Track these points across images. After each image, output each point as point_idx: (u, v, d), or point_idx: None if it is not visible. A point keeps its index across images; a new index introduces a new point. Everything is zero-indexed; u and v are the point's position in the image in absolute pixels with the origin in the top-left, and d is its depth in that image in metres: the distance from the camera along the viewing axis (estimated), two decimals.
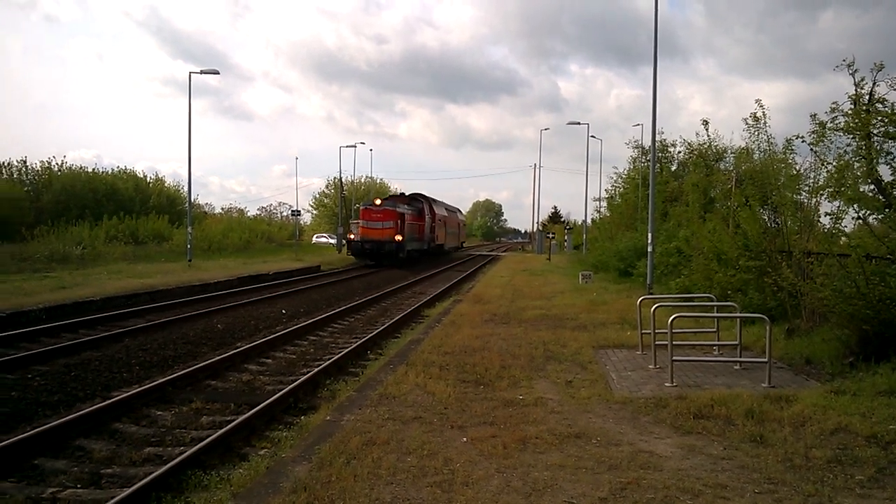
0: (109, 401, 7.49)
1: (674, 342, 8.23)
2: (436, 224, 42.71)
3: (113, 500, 4.76)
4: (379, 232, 32.92)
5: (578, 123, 44.18)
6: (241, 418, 6.86)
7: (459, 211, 62.91)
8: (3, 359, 9.27)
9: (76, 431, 6.56)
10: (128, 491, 4.94)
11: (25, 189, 38.58)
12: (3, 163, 39.35)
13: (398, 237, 32.90)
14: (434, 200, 45.28)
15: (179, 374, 8.87)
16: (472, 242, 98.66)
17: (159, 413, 7.50)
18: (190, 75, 30.15)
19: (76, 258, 25.61)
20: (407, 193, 43.82)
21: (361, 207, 35.11)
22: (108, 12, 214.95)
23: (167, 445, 6.45)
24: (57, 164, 41.08)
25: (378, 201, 35.36)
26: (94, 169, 43.04)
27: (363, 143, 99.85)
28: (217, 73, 30.14)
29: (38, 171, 40.36)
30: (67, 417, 6.77)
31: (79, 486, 5.43)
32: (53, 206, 36.73)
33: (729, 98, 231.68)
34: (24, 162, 39.83)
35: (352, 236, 34.91)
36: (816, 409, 6.69)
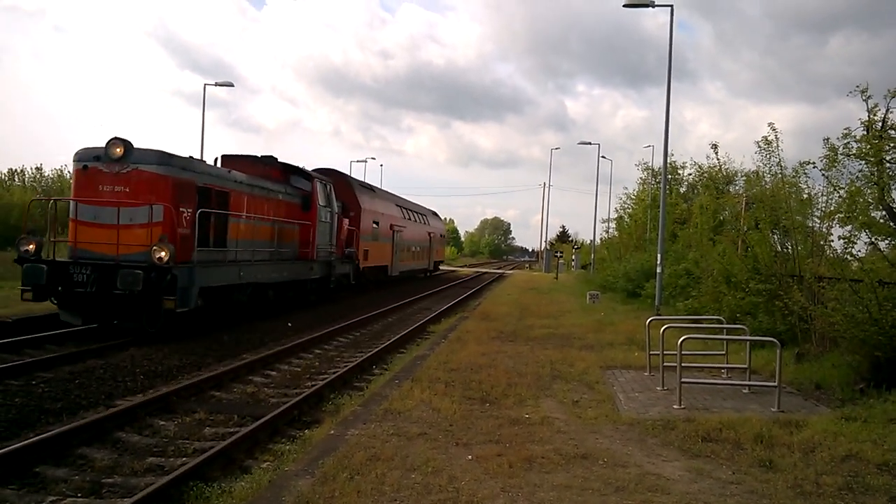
0: (112, 409, 7.47)
1: (682, 364, 8.15)
2: (359, 230, 23.19)
3: None
4: (105, 235, 11.97)
5: (589, 143, 44.34)
6: (244, 430, 6.81)
7: (434, 214, 43.85)
8: (8, 365, 9.26)
9: (78, 440, 6.51)
10: (128, 501, 4.90)
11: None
12: (17, 170, 39.78)
13: (161, 253, 11.45)
14: (368, 186, 28.25)
15: (184, 384, 8.83)
16: (478, 260, 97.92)
17: (162, 423, 7.45)
18: (205, 87, 30.40)
19: None
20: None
21: (76, 166, 12.56)
22: (116, 22, 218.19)
23: (169, 456, 6.40)
24: (69, 172, 41.48)
25: (119, 150, 12.02)
26: None
27: (373, 159, 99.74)
28: (231, 85, 30.55)
29: (51, 178, 40.76)
30: (70, 425, 6.73)
31: (79, 495, 5.38)
32: (65, 214, 36.94)
33: (737, 121, 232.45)
34: (40, 169, 40.30)
35: (30, 247, 12.24)
36: (827, 435, 6.60)
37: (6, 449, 5.89)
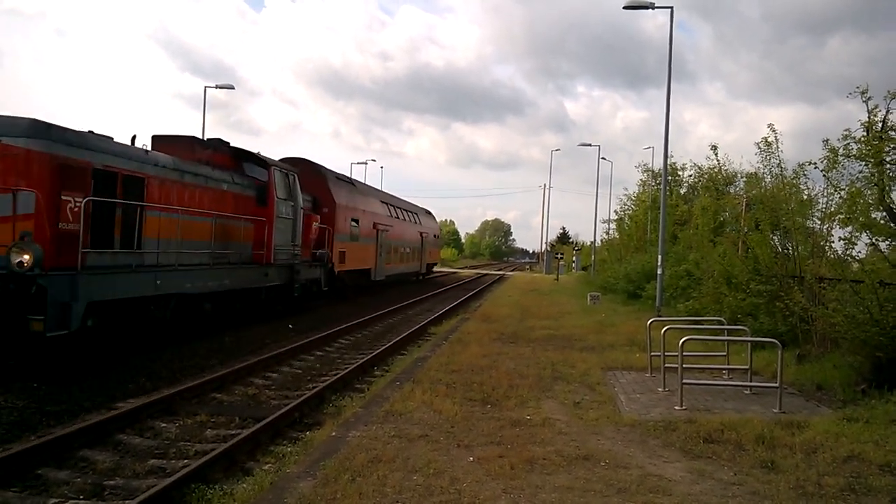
0: (114, 412, 7.47)
1: (683, 365, 8.15)
2: (333, 228, 20.48)
3: None
4: None
5: (589, 145, 44.50)
6: (245, 432, 6.82)
7: (426, 213, 40.58)
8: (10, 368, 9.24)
9: (80, 442, 6.52)
10: (130, 503, 4.90)
11: None
12: None
13: (22, 256, 8.34)
14: (346, 180, 25.10)
15: (187, 385, 8.84)
16: (479, 262, 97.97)
17: (164, 425, 7.46)
18: (205, 90, 30.26)
19: None
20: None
21: None
22: (118, 25, 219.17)
23: (171, 458, 6.40)
24: None
25: None
26: None
27: (374, 161, 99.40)
28: (232, 87, 30.62)
29: None
30: (72, 428, 6.74)
31: (81, 497, 5.38)
32: None
33: (737, 123, 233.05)
34: None
35: None
36: (828, 436, 6.60)
37: (8, 451, 5.90)
